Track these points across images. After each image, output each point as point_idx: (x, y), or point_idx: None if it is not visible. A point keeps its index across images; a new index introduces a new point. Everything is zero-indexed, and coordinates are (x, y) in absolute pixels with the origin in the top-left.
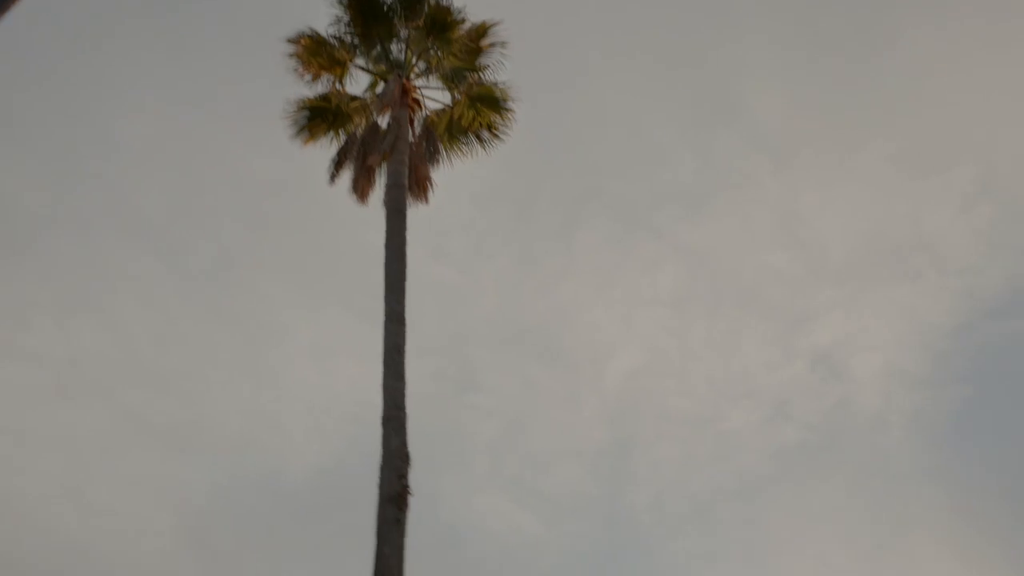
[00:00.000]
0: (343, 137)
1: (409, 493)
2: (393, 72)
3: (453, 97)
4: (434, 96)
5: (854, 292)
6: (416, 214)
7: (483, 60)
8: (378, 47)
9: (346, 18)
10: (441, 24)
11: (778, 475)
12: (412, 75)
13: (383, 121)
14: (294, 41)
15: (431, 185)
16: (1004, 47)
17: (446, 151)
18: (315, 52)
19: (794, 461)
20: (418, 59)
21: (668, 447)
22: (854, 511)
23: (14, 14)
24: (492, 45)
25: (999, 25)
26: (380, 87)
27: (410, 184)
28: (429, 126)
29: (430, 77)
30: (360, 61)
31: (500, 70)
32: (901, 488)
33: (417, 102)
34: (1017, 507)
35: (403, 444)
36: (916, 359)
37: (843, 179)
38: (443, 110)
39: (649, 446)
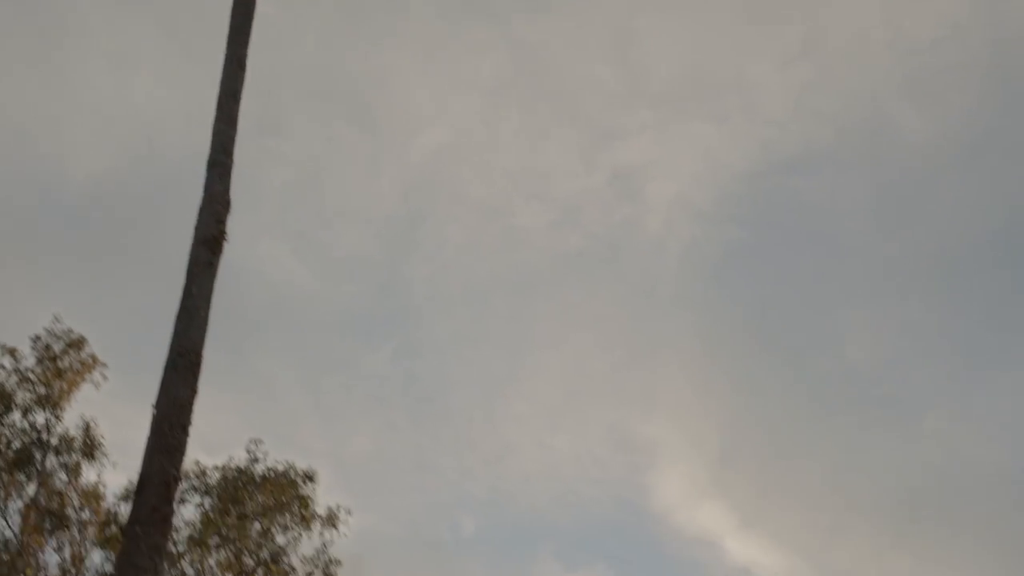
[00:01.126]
0: None
1: (225, 239)
2: None
3: None
4: None
5: (665, 120)
6: None
7: None
8: None
9: None
10: None
11: (555, 277)
12: None
13: None
14: None
15: None
16: None
17: None
18: None
19: (572, 266)
20: None
21: (456, 230)
22: (616, 323)
23: None
24: None
25: None
26: None
27: None
28: None
29: None
30: None
31: None
32: (662, 309)
33: None
34: (754, 345)
35: (226, 191)
36: (705, 195)
37: (683, 7)
38: None
39: (439, 225)
